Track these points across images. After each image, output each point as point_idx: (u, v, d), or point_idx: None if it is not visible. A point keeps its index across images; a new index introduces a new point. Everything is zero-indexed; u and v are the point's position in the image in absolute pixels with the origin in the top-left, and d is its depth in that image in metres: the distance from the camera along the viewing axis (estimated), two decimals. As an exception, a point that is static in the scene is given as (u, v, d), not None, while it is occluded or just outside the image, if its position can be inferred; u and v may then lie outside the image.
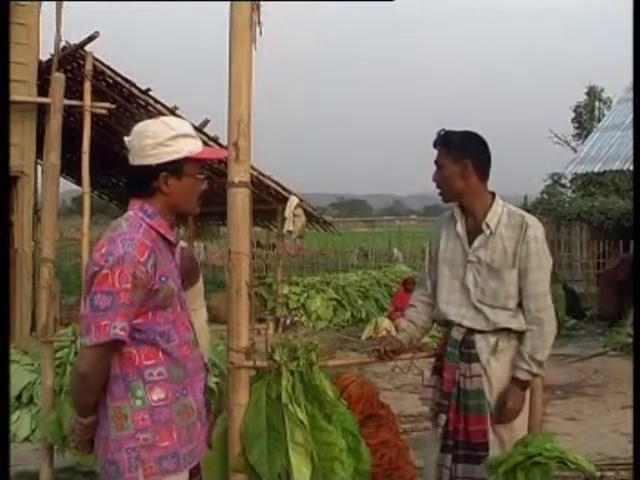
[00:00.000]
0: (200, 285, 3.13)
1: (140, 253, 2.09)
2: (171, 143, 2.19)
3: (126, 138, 2.26)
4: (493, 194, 2.96)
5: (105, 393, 2.17)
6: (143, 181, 2.22)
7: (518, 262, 2.85)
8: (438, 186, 2.97)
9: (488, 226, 2.88)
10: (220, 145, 7.75)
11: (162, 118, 2.33)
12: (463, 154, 2.89)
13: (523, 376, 2.82)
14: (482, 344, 2.86)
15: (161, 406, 2.17)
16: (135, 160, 2.22)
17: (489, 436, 2.82)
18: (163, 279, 2.17)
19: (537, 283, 2.84)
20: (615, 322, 9.93)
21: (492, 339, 2.86)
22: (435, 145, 2.98)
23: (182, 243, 2.86)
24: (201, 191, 2.31)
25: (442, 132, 2.97)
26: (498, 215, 2.89)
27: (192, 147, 2.24)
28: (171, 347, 2.20)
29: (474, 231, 2.93)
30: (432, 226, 3.19)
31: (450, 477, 2.86)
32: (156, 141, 2.18)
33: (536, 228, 2.87)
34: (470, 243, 2.92)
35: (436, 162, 2.96)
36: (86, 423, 2.21)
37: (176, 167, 2.21)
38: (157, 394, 2.17)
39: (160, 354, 2.19)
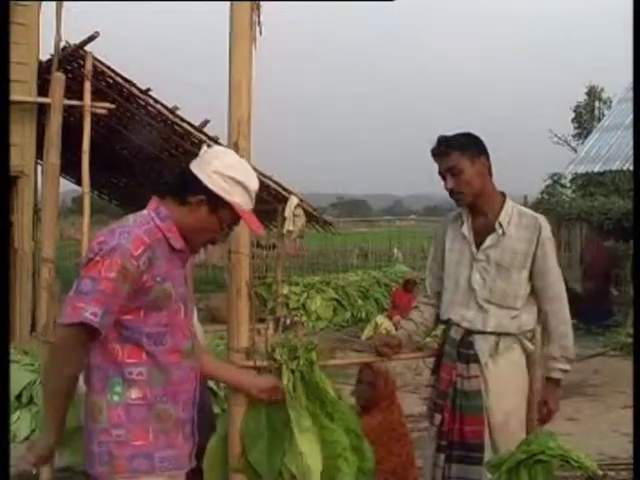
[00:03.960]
0: None
1: (135, 247, 2.09)
2: (230, 183, 2.20)
3: (205, 146, 2.33)
4: (503, 194, 2.95)
5: (86, 385, 2.17)
6: (184, 187, 2.22)
7: (531, 263, 2.85)
8: (454, 192, 2.87)
9: (501, 225, 2.87)
10: (220, 145, 7.73)
11: (245, 161, 2.33)
12: (477, 152, 2.86)
13: (559, 375, 2.91)
14: (482, 345, 2.85)
15: (138, 405, 2.15)
16: (195, 167, 2.23)
17: (484, 438, 2.81)
18: (158, 279, 2.14)
19: (556, 284, 2.90)
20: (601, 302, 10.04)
21: (492, 340, 2.85)
22: (436, 154, 2.88)
23: None
24: (213, 240, 2.31)
25: (442, 139, 2.87)
26: (509, 215, 2.88)
27: (242, 202, 2.23)
28: (158, 350, 2.17)
29: (483, 230, 2.90)
30: (437, 227, 3.16)
31: (443, 477, 2.86)
32: (220, 170, 2.19)
33: (548, 229, 2.90)
34: (477, 243, 2.90)
35: (450, 169, 2.83)
36: (49, 441, 2.14)
37: (216, 203, 2.20)
38: (135, 393, 2.15)
39: (143, 355, 2.16)
